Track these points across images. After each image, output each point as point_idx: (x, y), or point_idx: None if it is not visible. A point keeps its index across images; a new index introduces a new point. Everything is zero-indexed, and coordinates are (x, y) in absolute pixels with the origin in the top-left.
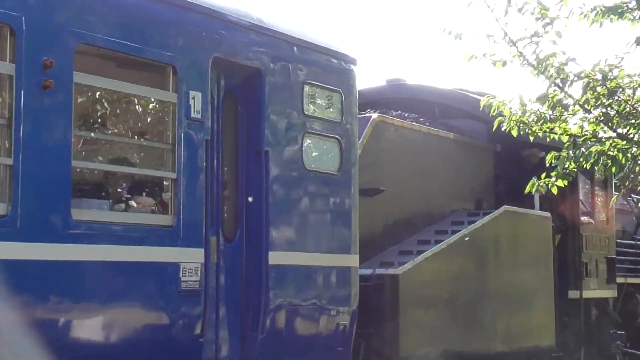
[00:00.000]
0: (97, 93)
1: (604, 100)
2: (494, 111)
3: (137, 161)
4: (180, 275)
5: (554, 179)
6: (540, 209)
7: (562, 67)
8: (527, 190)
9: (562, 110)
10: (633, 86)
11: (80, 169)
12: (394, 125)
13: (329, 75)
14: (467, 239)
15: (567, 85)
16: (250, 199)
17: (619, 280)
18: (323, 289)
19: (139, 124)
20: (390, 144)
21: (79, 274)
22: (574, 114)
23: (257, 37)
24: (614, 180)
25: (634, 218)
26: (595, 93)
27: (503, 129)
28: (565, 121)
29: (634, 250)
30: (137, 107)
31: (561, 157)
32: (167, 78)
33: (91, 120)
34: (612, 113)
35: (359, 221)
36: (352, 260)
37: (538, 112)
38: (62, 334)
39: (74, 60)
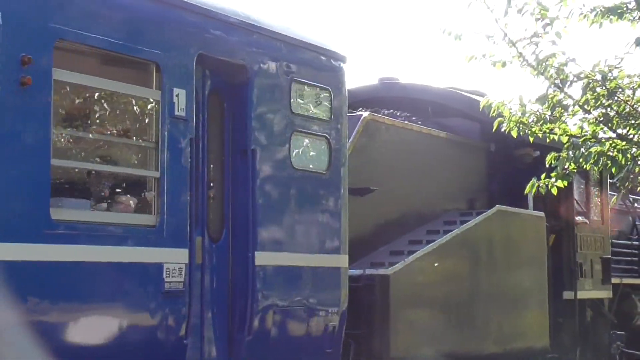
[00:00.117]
0: (78, 90)
1: (604, 101)
2: (493, 112)
3: (120, 160)
4: (164, 276)
5: (553, 179)
6: (534, 209)
7: (561, 68)
8: (526, 190)
9: (562, 110)
10: (633, 87)
11: (61, 168)
12: (385, 124)
13: (318, 73)
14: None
15: (566, 85)
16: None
17: (615, 280)
18: (311, 289)
19: (122, 122)
20: (381, 143)
21: (58, 275)
22: (573, 115)
23: (243, 34)
24: (612, 181)
25: (630, 218)
26: (595, 94)
27: (503, 129)
28: (565, 122)
29: (629, 251)
30: (119, 104)
31: (561, 157)
32: (150, 75)
33: (72, 118)
34: (612, 114)
35: (349, 221)
36: (341, 260)
37: (538, 113)
38: (41, 336)
39: (54, 56)
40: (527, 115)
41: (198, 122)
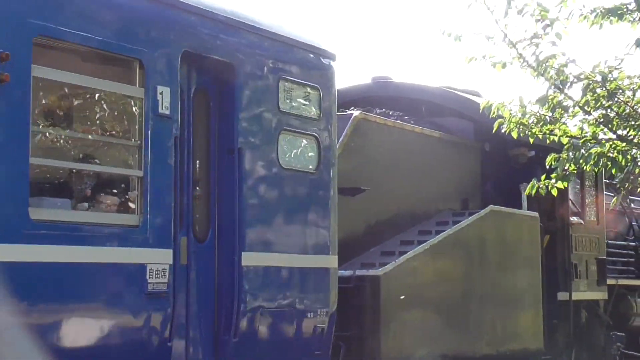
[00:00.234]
0: (59, 88)
1: (604, 102)
2: (493, 113)
3: (103, 158)
4: (147, 276)
5: (553, 180)
6: (529, 209)
7: (561, 69)
8: (527, 191)
9: (562, 112)
10: (633, 88)
11: (40, 167)
12: (376, 123)
13: (307, 71)
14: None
15: (567, 86)
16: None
17: (610, 281)
18: (300, 290)
19: (104, 120)
20: (373, 142)
21: (37, 276)
22: (573, 116)
23: (230, 31)
24: (610, 181)
25: (627, 219)
26: (595, 95)
27: (503, 130)
28: (565, 123)
29: (626, 252)
30: (102, 102)
31: (561, 158)
32: (133, 73)
33: (52, 116)
34: (612, 115)
35: (340, 221)
36: (330, 261)
37: (538, 114)
38: (19, 339)
39: (33, 53)
40: (527, 116)
41: (183, 120)
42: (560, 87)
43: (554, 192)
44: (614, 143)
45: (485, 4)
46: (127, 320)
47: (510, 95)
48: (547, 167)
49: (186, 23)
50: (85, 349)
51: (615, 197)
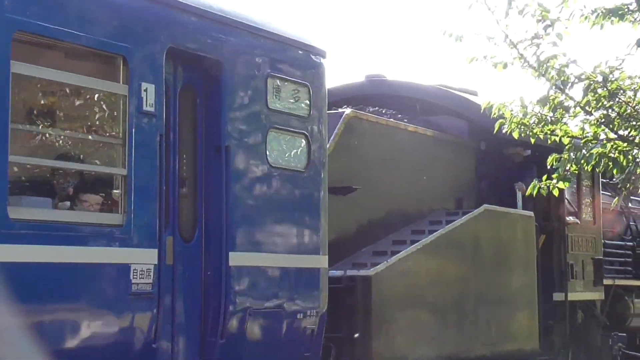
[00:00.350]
0: (40, 84)
1: (605, 102)
2: (494, 113)
3: (85, 156)
4: (131, 277)
5: (555, 180)
6: (524, 209)
7: (562, 69)
8: (528, 192)
9: (563, 112)
10: (634, 88)
11: (20, 165)
12: (368, 121)
13: (296, 68)
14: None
15: (567, 87)
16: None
17: (607, 282)
18: (289, 291)
19: (87, 118)
20: (365, 140)
21: (17, 276)
22: (575, 116)
23: (217, 27)
24: (606, 181)
25: (624, 218)
26: (596, 95)
27: (504, 131)
28: (566, 123)
29: (623, 252)
30: (84, 99)
31: (562, 159)
32: (117, 69)
33: (33, 113)
34: (613, 115)
35: (331, 221)
36: (320, 261)
37: (539, 114)
38: None
39: (12, 49)
40: (528, 116)
41: (169, 117)
42: (561, 87)
43: (555, 193)
44: (615, 143)
45: (486, 5)
46: (110, 321)
47: (511, 96)
48: (548, 167)
49: (172, 19)
50: (67, 351)
51: (616, 198)
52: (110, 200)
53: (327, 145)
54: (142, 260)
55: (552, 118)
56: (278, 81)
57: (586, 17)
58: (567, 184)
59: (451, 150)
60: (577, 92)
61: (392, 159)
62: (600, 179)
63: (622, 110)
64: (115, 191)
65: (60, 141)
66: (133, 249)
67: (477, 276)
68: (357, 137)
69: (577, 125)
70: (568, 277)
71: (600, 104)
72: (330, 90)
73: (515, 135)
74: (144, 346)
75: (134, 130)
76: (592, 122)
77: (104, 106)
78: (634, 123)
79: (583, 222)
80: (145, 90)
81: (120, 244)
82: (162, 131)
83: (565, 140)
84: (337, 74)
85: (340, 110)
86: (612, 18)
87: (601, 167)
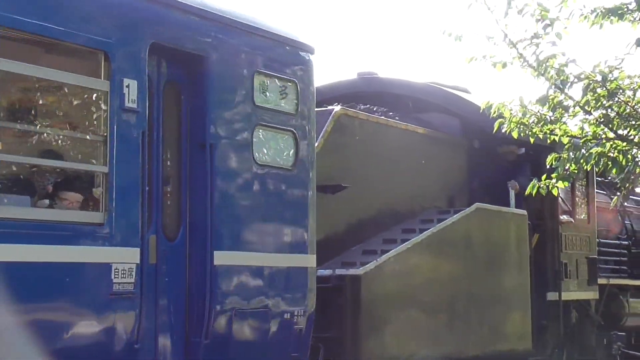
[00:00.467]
0: (18, 80)
1: (604, 102)
2: (494, 113)
3: (66, 154)
4: (112, 277)
5: (554, 180)
6: (517, 207)
7: (562, 69)
8: (527, 191)
9: (563, 111)
10: (633, 87)
11: None
12: (358, 118)
13: (283, 65)
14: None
15: (567, 86)
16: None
17: (601, 281)
18: (276, 290)
19: (67, 114)
20: (354, 138)
21: None
22: (574, 116)
23: (201, 22)
24: (597, 178)
25: (619, 217)
26: (596, 94)
27: (503, 130)
28: (565, 123)
29: (618, 250)
30: (64, 95)
31: (562, 158)
32: (98, 65)
33: (11, 110)
34: (613, 114)
35: (320, 219)
36: (308, 260)
37: (538, 114)
38: None
39: None
40: (527, 116)
41: (152, 114)
42: (561, 87)
43: (555, 192)
44: (614, 143)
45: (485, 4)
46: (91, 321)
47: (510, 95)
48: (548, 166)
49: (155, 14)
50: (46, 352)
51: (615, 197)
52: (91, 198)
53: (316, 143)
54: (123, 260)
55: (552, 117)
56: (265, 77)
57: (585, 17)
58: (566, 183)
59: (443, 148)
60: (576, 91)
61: (382, 157)
62: (595, 178)
63: (621, 110)
64: (96, 189)
65: (40, 138)
66: (114, 248)
67: (469, 275)
68: (347, 134)
69: (576, 125)
70: (562, 276)
71: (599, 103)
72: (321, 87)
73: (515, 134)
74: (125, 347)
75: (115, 127)
76: (592, 121)
77: (85, 103)
78: (633, 122)
79: (577, 221)
80: (128, 86)
81: (101, 242)
82: (145, 128)
83: (565, 140)
84: (329, 72)
85: (330, 107)
86: (612, 17)
87: (600, 166)
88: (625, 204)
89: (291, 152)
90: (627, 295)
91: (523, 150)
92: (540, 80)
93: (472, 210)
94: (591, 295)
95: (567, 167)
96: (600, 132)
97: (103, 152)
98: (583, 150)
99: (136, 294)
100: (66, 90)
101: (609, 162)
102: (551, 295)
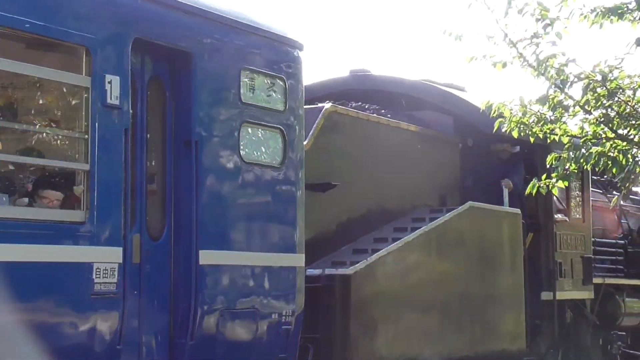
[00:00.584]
0: None
1: (604, 101)
2: (494, 112)
3: (46, 151)
4: (93, 276)
5: (554, 180)
6: (511, 206)
7: (562, 68)
8: (527, 191)
9: (563, 111)
10: (633, 87)
11: None
12: (349, 116)
13: (271, 61)
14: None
15: (567, 86)
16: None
17: (597, 280)
18: (263, 290)
19: (47, 111)
20: (345, 136)
21: None
22: (574, 115)
23: (186, 17)
24: (593, 177)
25: (616, 216)
26: (596, 94)
27: (503, 130)
28: (565, 122)
29: (614, 250)
30: (45, 92)
31: (562, 158)
32: (79, 60)
33: None
34: (613, 114)
35: (310, 218)
36: (297, 259)
37: (538, 114)
38: None
39: None
40: (527, 115)
41: (136, 111)
42: (561, 86)
43: (555, 192)
44: (614, 142)
45: (485, 4)
46: (71, 322)
47: (510, 95)
48: (548, 166)
49: (138, 9)
50: (25, 354)
51: (615, 197)
52: (72, 196)
53: (306, 141)
54: (105, 259)
55: (552, 117)
56: (252, 74)
57: (585, 16)
58: (566, 183)
59: (436, 146)
60: (576, 91)
61: (373, 155)
62: (590, 176)
63: (621, 110)
64: (77, 187)
65: (19, 135)
66: (96, 247)
67: (461, 275)
68: (337, 132)
69: (576, 125)
70: (556, 275)
71: (599, 103)
72: (313, 85)
73: (515, 134)
74: (107, 348)
75: (97, 123)
76: (592, 121)
77: (66, 99)
78: (633, 122)
79: (572, 220)
80: (110, 82)
81: (82, 242)
82: (128, 125)
83: (565, 140)
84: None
85: (320, 104)
86: (612, 17)
87: (600, 166)
88: (622, 202)
89: (279, 150)
90: (623, 295)
91: (518, 148)
92: (540, 80)
93: (464, 209)
94: (586, 294)
95: (567, 167)
96: (600, 132)
97: (84, 150)
98: (583, 150)
99: (119, 294)
100: (46, 87)
101: (609, 162)
102: (545, 295)
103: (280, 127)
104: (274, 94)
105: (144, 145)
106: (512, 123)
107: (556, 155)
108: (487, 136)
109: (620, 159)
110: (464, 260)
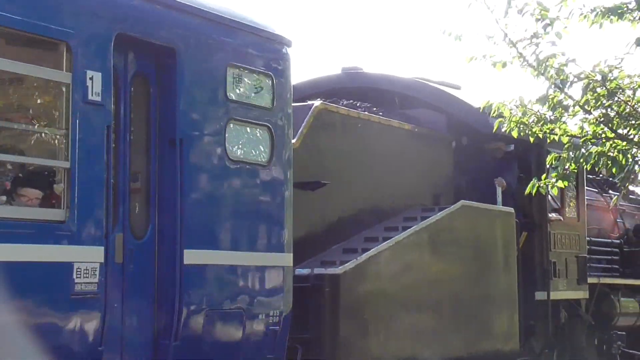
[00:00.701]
0: None
1: (604, 101)
2: (494, 112)
3: (25, 149)
4: (74, 276)
5: (554, 179)
6: (504, 205)
7: (562, 68)
8: (527, 191)
9: (562, 111)
10: (633, 87)
11: None
12: (339, 114)
13: (258, 58)
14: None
15: (567, 86)
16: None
17: (592, 280)
18: (249, 290)
19: (26, 107)
20: (335, 134)
21: None
22: (574, 115)
23: (171, 12)
24: (588, 176)
25: (611, 215)
26: (595, 94)
27: (503, 130)
28: (565, 122)
29: (609, 249)
30: (24, 88)
31: (561, 158)
32: (60, 56)
33: None
34: (612, 114)
35: (300, 217)
36: (284, 259)
37: (538, 113)
38: None
39: None
40: (527, 115)
41: (119, 108)
42: (561, 86)
43: (555, 192)
44: (614, 142)
45: (485, 4)
46: (51, 323)
47: (510, 95)
48: (547, 166)
49: (121, 3)
50: (5, 356)
51: (615, 197)
52: (52, 194)
53: (295, 139)
54: (86, 259)
55: (551, 117)
56: (239, 71)
57: (585, 16)
58: (566, 183)
59: (428, 144)
60: (576, 91)
61: (364, 153)
62: (585, 175)
63: (621, 109)
64: (57, 185)
65: None
66: (76, 247)
67: (454, 274)
68: (327, 130)
69: (576, 124)
70: (550, 275)
71: (599, 103)
72: (305, 83)
73: (515, 134)
74: (89, 350)
75: (78, 120)
76: (591, 121)
77: (45, 95)
78: (633, 122)
79: (567, 219)
80: (91, 78)
81: (62, 241)
82: (110, 122)
83: (565, 139)
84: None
85: (309, 102)
86: (611, 17)
87: (600, 166)
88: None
89: (267, 148)
90: (618, 295)
91: (512, 147)
92: (540, 80)
93: (457, 208)
94: (581, 294)
95: (566, 167)
96: (600, 132)
97: (65, 147)
98: (583, 150)
99: (100, 294)
100: (26, 83)
101: (609, 162)
102: (540, 295)
103: (268, 124)
104: (261, 90)
105: (127, 143)
106: (512, 123)
107: (556, 155)
108: (481, 134)
109: (620, 159)
110: (456, 259)
